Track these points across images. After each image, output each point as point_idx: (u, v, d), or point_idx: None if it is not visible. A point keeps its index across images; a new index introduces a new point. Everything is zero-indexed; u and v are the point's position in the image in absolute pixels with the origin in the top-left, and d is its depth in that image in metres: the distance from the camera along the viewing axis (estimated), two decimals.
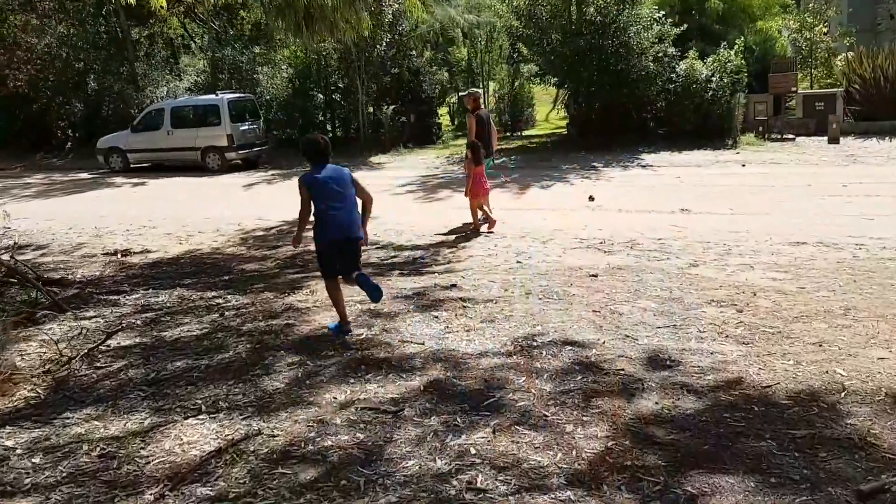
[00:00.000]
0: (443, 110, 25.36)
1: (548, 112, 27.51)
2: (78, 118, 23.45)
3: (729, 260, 7.09)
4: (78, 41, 23.01)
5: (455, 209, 10.48)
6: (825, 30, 22.09)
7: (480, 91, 10.10)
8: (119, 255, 8.99)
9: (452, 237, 9.08)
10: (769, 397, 3.83)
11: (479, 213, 9.26)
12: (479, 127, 9.54)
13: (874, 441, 3.25)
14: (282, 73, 21.65)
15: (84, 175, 19.25)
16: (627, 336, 4.93)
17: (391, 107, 20.19)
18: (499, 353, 4.71)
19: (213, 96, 18.69)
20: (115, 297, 6.83)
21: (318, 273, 7.09)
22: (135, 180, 17.68)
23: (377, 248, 8.69)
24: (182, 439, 3.71)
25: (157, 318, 5.98)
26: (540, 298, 5.98)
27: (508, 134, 22.36)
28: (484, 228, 9.22)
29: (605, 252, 7.68)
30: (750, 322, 5.13)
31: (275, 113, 21.28)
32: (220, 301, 6.44)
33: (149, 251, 9.19)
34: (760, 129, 17.32)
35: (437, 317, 5.58)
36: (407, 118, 20.93)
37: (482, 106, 9.92)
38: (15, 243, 9.07)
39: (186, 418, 3.95)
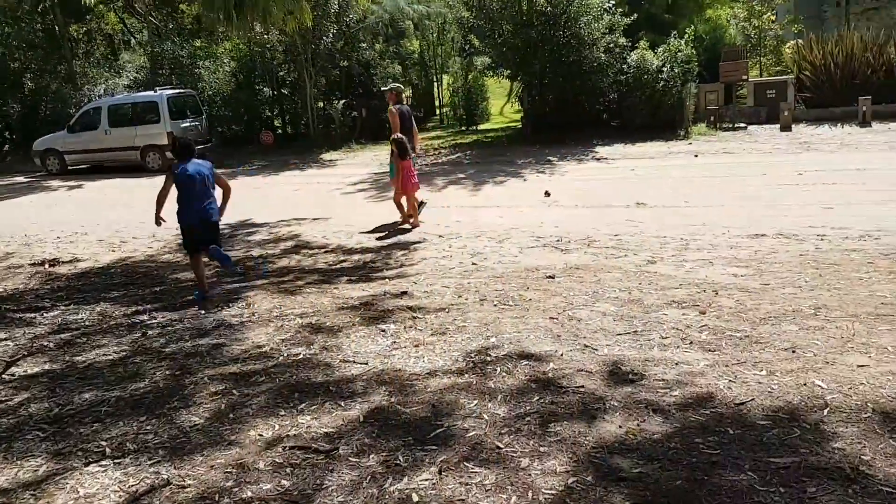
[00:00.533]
0: None
1: (503, 105, 27.18)
2: (14, 120, 22.56)
3: (687, 255, 6.79)
4: (13, 40, 22.08)
5: None
6: (773, 17, 22.16)
7: (402, 86, 9.93)
8: (46, 266, 8.49)
9: (377, 235, 8.88)
10: (744, 416, 3.45)
11: (406, 207, 9.18)
12: (400, 122, 9.40)
13: (867, 470, 2.87)
14: (224, 67, 20.86)
15: (20, 179, 18.44)
16: (587, 346, 4.55)
17: (342, 101, 19.58)
18: (449, 372, 4.28)
19: (151, 93, 17.92)
20: (32, 316, 6.25)
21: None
22: (71, 183, 16.93)
23: (325, 251, 8.20)
24: (79, 492, 3.18)
25: (72, 340, 5.41)
26: (495, 305, 5.58)
27: (464, 128, 21.94)
28: (407, 225, 9.20)
29: (561, 251, 7.32)
30: (714, 325, 4.80)
31: (218, 109, 20.50)
32: (144, 317, 5.88)
33: (78, 260, 8.66)
34: (712, 118, 17.19)
35: (384, 330, 5.13)
36: (358, 112, 20.31)
37: (404, 101, 9.75)
38: None
39: (87, 464, 3.41)
